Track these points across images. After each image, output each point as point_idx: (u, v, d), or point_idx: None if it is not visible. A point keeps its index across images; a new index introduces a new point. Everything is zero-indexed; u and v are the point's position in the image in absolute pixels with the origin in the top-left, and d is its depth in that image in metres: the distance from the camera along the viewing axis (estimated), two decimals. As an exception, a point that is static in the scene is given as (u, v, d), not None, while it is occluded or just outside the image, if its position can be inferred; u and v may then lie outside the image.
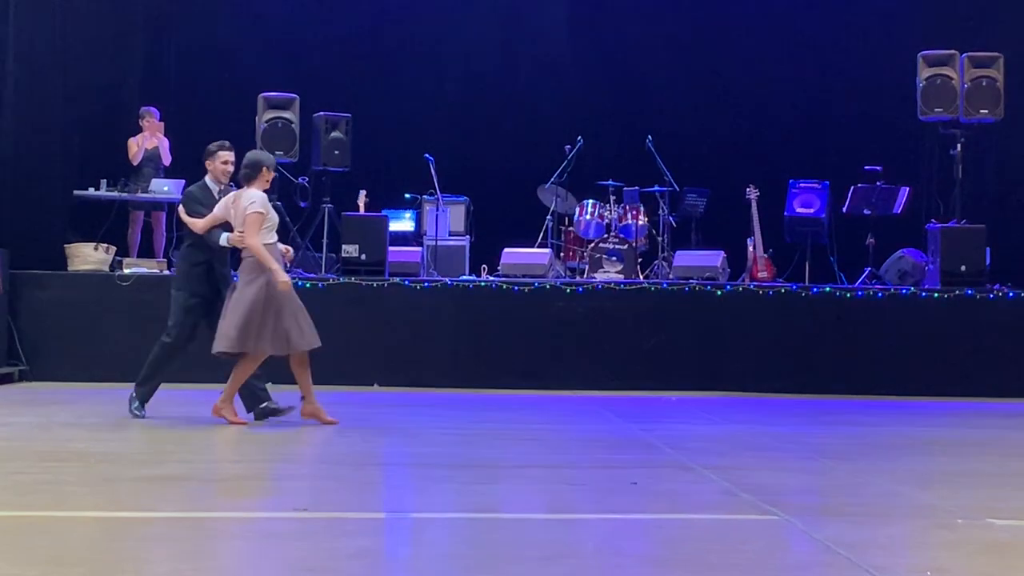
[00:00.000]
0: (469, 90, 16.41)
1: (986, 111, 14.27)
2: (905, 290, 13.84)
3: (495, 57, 16.54)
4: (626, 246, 14.47)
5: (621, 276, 14.18)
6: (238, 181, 10.04)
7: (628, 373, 13.48)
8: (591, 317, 13.62)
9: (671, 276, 14.37)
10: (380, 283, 13.66)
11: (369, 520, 6.49)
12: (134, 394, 10.25)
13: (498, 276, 14.31)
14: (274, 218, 9.96)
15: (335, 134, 14.75)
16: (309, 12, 16.37)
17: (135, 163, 14.45)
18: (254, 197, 9.80)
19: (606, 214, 14.87)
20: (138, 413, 10.15)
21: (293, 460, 8.70)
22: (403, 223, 15.17)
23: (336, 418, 10.00)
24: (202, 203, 10.12)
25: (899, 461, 8.83)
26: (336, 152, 14.73)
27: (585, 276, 14.37)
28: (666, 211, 14.96)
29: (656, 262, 14.87)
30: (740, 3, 16.62)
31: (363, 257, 14.00)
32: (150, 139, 14.50)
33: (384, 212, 14.70)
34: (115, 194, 14.26)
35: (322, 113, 14.80)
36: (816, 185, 14.89)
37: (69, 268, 13.90)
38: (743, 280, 14.41)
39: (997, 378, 13.42)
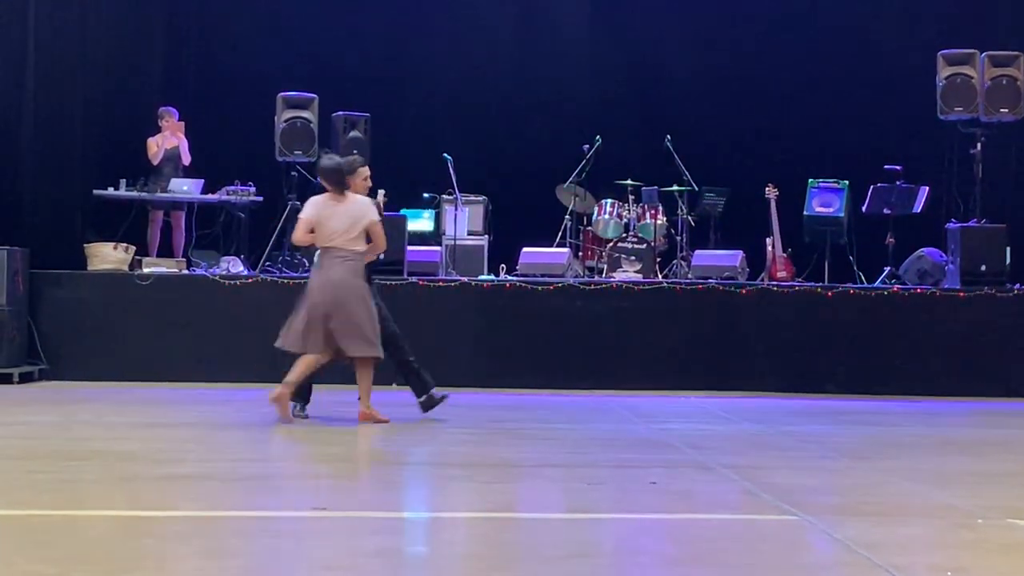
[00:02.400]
0: (487, 89, 16.39)
1: (1006, 110, 14.21)
2: (925, 290, 13.80)
3: (513, 56, 16.53)
4: (645, 246, 14.46)
5: (640, 276, 14.15)
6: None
7: (647, 373, 13.45)
8: (609, 317, 13.60)
9: (690, 276, 14.35)
10: (398, 283, 13.66)
11: (388, 519, 6.50)
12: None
13: (517, 276, 14.28)
14: None
15: (354, 134, 14.75)
16: (328, 12, 16.36)
17: (155, 163, 14.49)
18: None
19: (625, 213, 14.85)
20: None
21: (312, 459, 8.71)
22: (422, 223, 15.16)
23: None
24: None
25: (919, 461, 8.82)
26: (354, 152, 14.71)
27: (604, 276, 14.35)
28: (685, 210, 14.94)
29: (675, 262, 14.83)
30: (759, 2, 16.58)
31: (381, 257, 13.94)
32: (170, 139, 14.54)
33: (403, 212, 14.68)
34: (135, 194, 14.30)
35: (341, 112, 14.81)
36: (835, 184, 14.85)
37: (89, 268, 13.92)
38: (762, 280, 14.37)
39: (1017, 378, 13.39)
